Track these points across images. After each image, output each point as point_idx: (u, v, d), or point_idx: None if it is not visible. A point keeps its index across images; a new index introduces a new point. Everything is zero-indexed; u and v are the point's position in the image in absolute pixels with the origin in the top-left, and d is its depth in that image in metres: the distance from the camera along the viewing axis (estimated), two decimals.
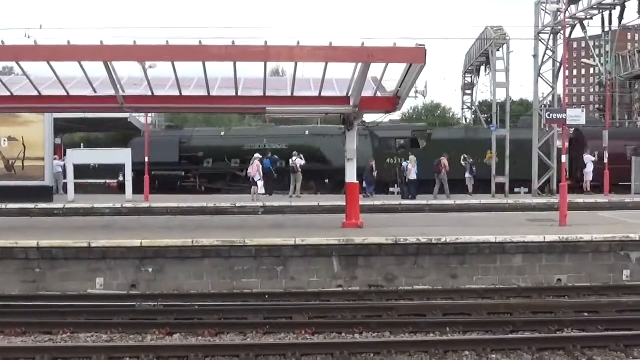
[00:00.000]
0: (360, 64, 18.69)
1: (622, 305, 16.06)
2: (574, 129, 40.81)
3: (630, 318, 14.98)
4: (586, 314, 15.39)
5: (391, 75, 20.36)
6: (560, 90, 39.79)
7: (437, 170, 37.62)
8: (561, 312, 15.50)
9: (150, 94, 20.73)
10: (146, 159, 37.99)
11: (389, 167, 41.37)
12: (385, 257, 18.51)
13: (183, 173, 43.02)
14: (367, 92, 20.80)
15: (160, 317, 15.01)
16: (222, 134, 44.71)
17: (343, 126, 21.80)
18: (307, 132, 43.96)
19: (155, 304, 16.15)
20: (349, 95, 20.84)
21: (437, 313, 15.25)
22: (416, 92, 20.61)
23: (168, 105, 22.43)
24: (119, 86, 20.33)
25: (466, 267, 18.62)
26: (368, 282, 18.39)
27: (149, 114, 44.38)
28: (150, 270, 18.16)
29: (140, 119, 45.95)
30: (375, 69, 19.73)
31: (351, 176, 22.03)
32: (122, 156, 36.82)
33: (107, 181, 45.85)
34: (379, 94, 21.06)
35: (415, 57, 17.60)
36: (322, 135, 43.26)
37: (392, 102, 20.96)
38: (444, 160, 37.75)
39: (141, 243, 18.30)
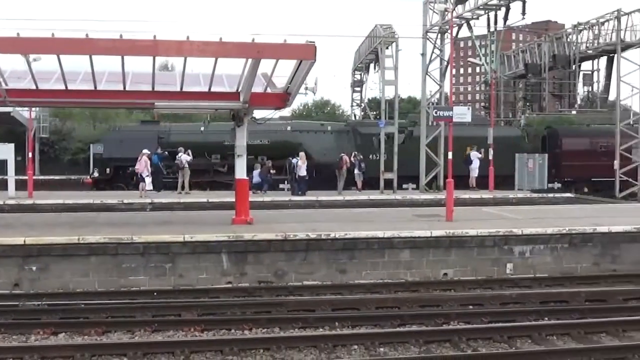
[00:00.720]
0: (250, 60, 18.65)
1: (505, 297, 16.54)
2: (547, 127, 41.72)
3: (514, 310, 15.45)
4: (471, 307, 15.79)
5: (281, 71, 20.38)
6: (447, 88, 40.59)
7: (338, 166, 38.07)
8: (447, 305, 15.86)
9: (34, 87, 20.21)
10: (29, 155, 36.99)
11: (372, 164, 41.10)
12: (275, 253, 18.56)
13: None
14: (258, 88, 20.75)
15: (44, 317, 14.68)
16: (202, 129, 43.77)
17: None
18: (288, 128, 43.67)
19: (40, 303, 15.78)
20: (239, 91, 20.78)
21: (326, 308, 15.38)
22: (306, 88, 20.70)
23: (53, 100, 21.92)
24: (1, 79, 19.75)
25: (355, 262, 18.83)
26: (258, 278, 18.40)
27: (34, 109, 43.21)
28: (34, 268, 17.73)
29: (24, 113, 44.77)
30: (266, 65, 19.73)
31: (241, 173, 21.97)
32: (4, 152, 35.68)
33: (82, 177, 45.21)
34: (269, 90, 21.05)
35: (305, 54, 17.66)
36: (304, 131, 43.19)
37: (282, 98, 21.00)
38: (345, 157, 38.27)
39: (24, 241, 17.84)
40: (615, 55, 43.24)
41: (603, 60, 48.82)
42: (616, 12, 43.34)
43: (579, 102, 52.85)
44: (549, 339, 13.40)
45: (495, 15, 38.34)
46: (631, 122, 42.54)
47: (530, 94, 54.17)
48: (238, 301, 16.08)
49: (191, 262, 18.26)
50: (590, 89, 51.27)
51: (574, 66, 49.57)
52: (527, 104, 55.75)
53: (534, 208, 29.47)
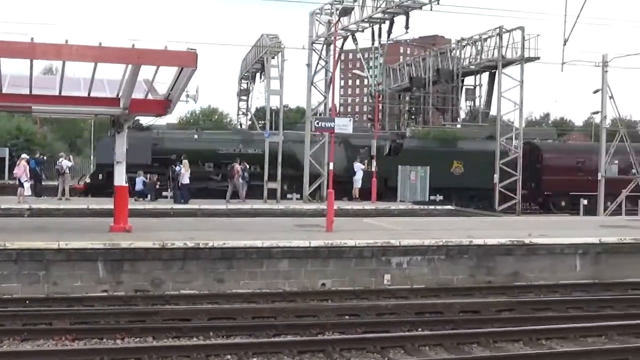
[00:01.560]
0: (130, 66, 18.46)
1: (381, 308, 16.80)
2: (526, 142, 43.83)
3: (389, 320, 15.71)
4: (347, 317, 15.97)
5: (164, 78, 20.24)
6: (335, 99, 41.03)
7: (230, 175, 38.07)
8: (324, 315, 16.00)
9: None
10: None
11: (364, 176, 42.21)
12: (152, 261, 18.38)
13: (156, 176, 40.84)
14: (139, 95, 20.54)
15: None
16: (195, 136, 44.11)
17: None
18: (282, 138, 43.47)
19: None
20: (119, 96, 20.52)
21: (202, 317, 15.32)
22: (187, 96, 20.59)
23: None
24: None
25: (233, 271, 18.82)
26: (134, 286, 18.18)
27: None
28: None
29: None
30: (149, 72, 19.55)
31: (120, 180, 21.73)
32: None
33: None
34: (150, 97, 20.85)
35: (185, 61, 17.59)
36: (297, 141, 43.35)
37: (164, 105, 20.83)
38: (237, 166, 38.29)
39: None
40: (497, 71, 44.52)
41: (485, 75, 50.23)
42: (498, 29, 44.69)
43: (463, 116, 54.20)
44: (422, 350, 13.67)
45: (380, 29, 39.00)
46: (513, 137, 43.87)
47: (415, 107, 55.26)
48: (112, 310, 15.86)
49: (66, 270, 17.90)
50: (472, 104, 52.62)
51: (457, 81, 50.84)
52: (412, 116, 56.84)
53: (414, 220, 30.03)
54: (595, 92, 42.53)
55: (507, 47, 44.27)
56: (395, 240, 20.36)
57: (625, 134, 42.61)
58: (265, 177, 39.86)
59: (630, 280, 21.45)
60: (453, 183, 44.17)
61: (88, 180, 42.40)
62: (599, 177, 41.58)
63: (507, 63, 44.32)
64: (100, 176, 41.45)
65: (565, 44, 38.05)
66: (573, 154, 48.69)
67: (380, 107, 59.11)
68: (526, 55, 43.18)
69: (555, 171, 46.23)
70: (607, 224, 27.65)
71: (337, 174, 32.98)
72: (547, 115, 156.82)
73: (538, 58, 43.70)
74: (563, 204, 45.97)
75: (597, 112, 46.44)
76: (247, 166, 40.12)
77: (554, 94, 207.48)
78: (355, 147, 44.23)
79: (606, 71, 41.71)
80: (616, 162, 42.97)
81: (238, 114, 63.07)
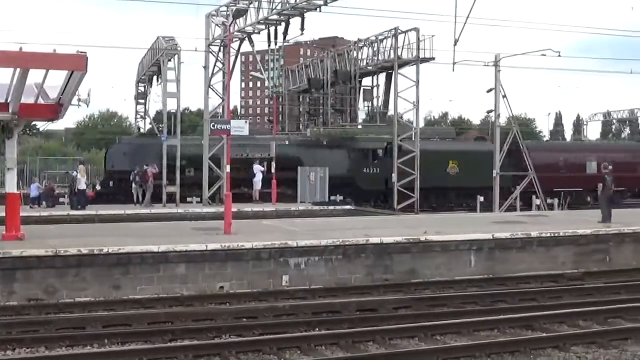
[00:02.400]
0: (18, 70, 18.04)
1: (279, 309, 16.83)
2: (510, 142, 44.49)
3: (286, 321, 15.76)
4: (245, 320, 15.95)
5: (55, 82, 19.83)
6: (236, 101, 40.92)
7: (143, 179, 37.61)
8: (221, 318, 15.95)
9: None
10: None
11: (366, 177, 45.16)
12: (45, 269, 18.00)
13: (167, 182, 40.35)
14: (29, 99, 20.08)
15: None
16: (201, 143, 42.81)
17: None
18: (286, 142, 45.67)
19: None
20: (8, 101, 20.03)
21: (96, 325, 15.09)
22: (79, 100, 20.21)
23: None
24: None
25: (130, 277, 18.58)
26: (27, 295, 17.77)
27: None
28: None
29: None
30: (40, 76, 19.12)
31: (11, 187, 21.21)
32: None
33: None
34: (40, 101, 20.42)
35: (75, 65, 17.30)
36: (303, 145, 45.68)
37: (54, 110, 20.42)
38: (150, 170, 37.89)
39: None
40: (393, 72, 45.11)
41: (382, 76, 50.87)
42: (394, 30, 45.29)
43: (363, 116, 54.80)
44: (318, 349, 13.75)
45: (275, 30, 39.00)
46: (412, 136, 44.52)
47: (314, 108, 55.57)
48: (3, 320, 15.46)
49: None
50: (370, 104, 53.21)
51: (354, 82, 51.32)
52: (311, 118, 57.12)
53: (313, 220, 30.18)
54: (489, 91, 43.49)
55: (402, 48, 44.93)
56: (292, 241, 20.43)
57: (519, 132, 43.70)
58: (164, 181, 39.49)
59: (522, 275, 22.09)
60: (449, 183, 45.55)
61: (98, 187, 42.43)
62: (494, 174, 42.55)
63: (403, 63, 44.96)
64: (111, 183, 42.35)
65: (455, 44, 38.78)
66: (556, 152, 51.57)
67: (280, 109, 59.30)
68: (421, 55, 43.84)
69: (540, 169, 46.49)
70: (500, 220, 28.29)
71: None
72: (445, 115, 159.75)
73: (433, 58, 44.45)
74: (547, 200, 46.34)
75: (491, 111, 47.54)
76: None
77: (453, 93, 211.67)
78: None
79: (499, 70, 42.70)
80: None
81: (136, 118, 62.33)
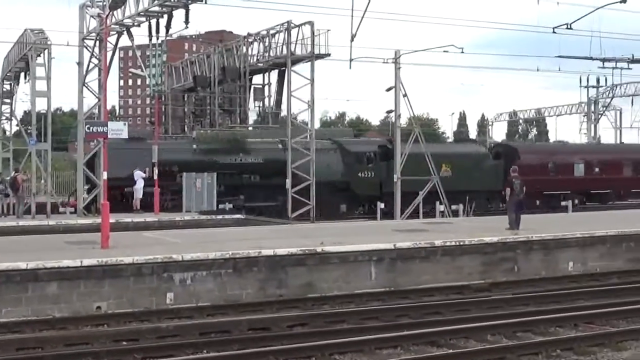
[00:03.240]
0: None
1: (163, 330, 16.57)
2: (495, 143, 46.72)
3: (171, 344, 15.50)
4: (125, 343, 15.64)
5: None
6: (114, 100, 40.32)
7: (14, 188, 36.76)
8: (98, 342, 15.59)
9: None
10: None
11: (361, 182, 46.84)
12: None
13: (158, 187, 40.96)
14: None
15: None
16: (194, 147, 45.21)
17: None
18: (279, 146, 46.21)
19: None
20: None
21: None
22: None
23: None
24: None
25: None
26: None
27: None
28: None
29: None
30: None
31: None
32: None
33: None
34: None
35: None
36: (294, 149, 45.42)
37: None
38: (20, 177, 37.03)
39: None
40: (286, 69, 45.13)
41: (275, 73, 50.84)
42: (286, 24, 45.29)
43: (255, 117, 54.62)
44: None
45: (157, 23, 38.50)
46: (308, 137, 44.63)
47: (200, 108, 55.15)
48: None
49: None
50: (261, 104, 53.12)
51: (244, 80, 51.15)
52: (197, 119, 56.67)
53: (200, 231, 29.92)
54: (389, 89, 43.99)
55: (296, 43, 45.02)
56: (177, 254, 20.15)
57: (420, 133, 44.30)
58: (33, 190, 38.62)
59: (426, 287, 22.33)
60: (442, 186, 45.77)
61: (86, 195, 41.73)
62: (395, 179, 43.06)
63: (297, 60, 45.07)
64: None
65: (353, 40, 39.08)
66: (548, 154, 54.40)
67: (163, 109, 58.62)
68: (316, 51, 44.03)
69: (531, 171, 48.04)
70: (402, 229, 28.56)
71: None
72: (343, 115, 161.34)
73: (328, 55, 44.71)
74: (538, 203, 48.88)
75: (391, 111, 48.11)
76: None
77: (351, 92, 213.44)
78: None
79: (399, 68, 43.24)
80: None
81: (1, 119, 60.78)
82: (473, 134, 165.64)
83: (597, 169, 54.85)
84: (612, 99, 77.14)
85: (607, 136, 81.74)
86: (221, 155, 45.27)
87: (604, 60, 60.57)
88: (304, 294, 20.96)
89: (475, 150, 52.79)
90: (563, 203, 49.06)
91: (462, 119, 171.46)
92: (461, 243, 23.85)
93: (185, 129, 58.33)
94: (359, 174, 47.45)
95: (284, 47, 45.60)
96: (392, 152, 47.38)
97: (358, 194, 47.54)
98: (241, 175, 45.79)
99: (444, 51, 43.29)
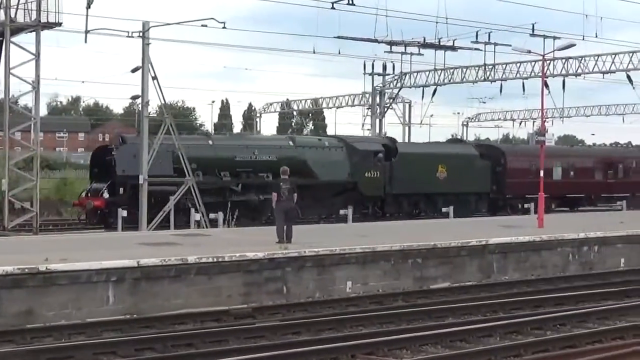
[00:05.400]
0: None
1: None
2: (477, 144, 56.46)
3: None
4: None
5: None
6: None
7: None
8: None
9: None
10: None
11: (368, 181, 52.24)
12: None
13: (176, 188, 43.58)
14: None
15: None
16: (210, 142, 49.00)
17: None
18: (290, 143, 51.76)
19: None
20: None
21: None
22: None
23: None
24: None
25: None
26: None
27: None
28: None
29: None
30: None
31: None
32: None
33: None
34: None
35: None
36: (307, 146, 51.98)
37: None
38: None
39: None
40: (4, 39, 43.83)
41: None
42: None
43: None
44: None
45: None
46: (32, 128, 43.61)
47: None
48: None
49: None
50: None
51: None
52: None
53: None
54: (134, 70, 43.65)
55: (17, 8, 43.76)
56: None
57: (173, 125, 44.15)
58: None
59: (177, 312, 22.40)
60: (439, 188, 54.39)
61: (106, 194, 44.51)
62: (140, 181, 42.85)
63: (18, 29, 43.82)
64: (122, 190, 44.52)
65: (89, 7, 38.50)
66: (533, 157, 58.72)
67: None
68: (43, 19, 42.97)
69: (518, 174, 58.18)
70: (148, 241, 28.40)
71: None
72: (77, 100, 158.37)
73: (59, 24, 43.75)
74: (526, 206, 56.03)
75: (138, 97, 47.81)
76: None
77: (88, 73, 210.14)
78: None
79: (148, 44, 42.85)
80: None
81: None
82: (238, 126, 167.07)
83: (572, 173, 63.91)
84: (400, 89, 78.87)
85: (394, 132, 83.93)
86: None
87: (391, 43, 62.88)
88: (21, 324, 20.42)
89: (467, 151, 59.71)
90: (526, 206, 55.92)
91: (225, 109, 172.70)
92: (220, 259, 23.97)
93: None
94: (366, 174, 52.40)
95: (1, 11, 44.29)
96: (396, 152, 54.17)
97: (365, 195, 52.87)
98: None
99: (203, 25, 43.29)
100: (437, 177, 54.87)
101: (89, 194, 45.90)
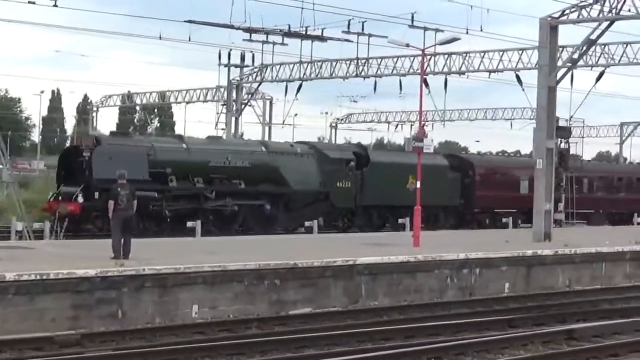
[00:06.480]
0: None
1: None
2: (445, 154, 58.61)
3: None
4: None
5: None
6: None
7: None
8: None
9: None
10: None
11: (340, 192, 54.64)
12: None
13: (155, 194, 45.65)
14: None
15: None
16: (184, 146, 49.95)
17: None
18: (263, 148, 53.64)
19: None
20: None
21: None
22: None
23: None
24: None
25: None
26: None
27: None
28: None
29: None
30: None
31: None
32: None
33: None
34: None
35: None
36: (280, 152, 53.75)
37: None
38: None
39: None
40: None
41: None
42: None
43: None
44: None
45: None
46: None
47: None
48: None
49: None
50: None
51: None
52: None
53: None
54: None
55: None
56: None
57: None
58: None
59: None
60: (408, 201, 50.96)
61: (80, 199, 44.41)
62: None
63: None
64: (97, 195, 43.94)
65: None
66: (505, 168, 64.44)
67: None
68: None
69: (488, 187, 61.51)
70: None
71: None
72: None
73: None
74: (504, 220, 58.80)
75: None
76: None
77: None
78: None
79: None
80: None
81: None
82: (71, 121, 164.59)
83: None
84: (260, 83, 78.30)
85: (252, 133, 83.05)
86: None
87: (250, 30, 62.15)
88: None
89: (438, 161, 60.24)
90: (504, 220, 58.32)
91: (56, 100, 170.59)
92: (44, 277, 23.16)
93: None
94: (337, 184, 54.88)
95: None
96: (368, 161, 57.11)
97: (337, 206, 55.34)
98: None
99: (30, 2, 42.14)
100: (408, 188, 55.22)
101: (60, 198, 45.86)
